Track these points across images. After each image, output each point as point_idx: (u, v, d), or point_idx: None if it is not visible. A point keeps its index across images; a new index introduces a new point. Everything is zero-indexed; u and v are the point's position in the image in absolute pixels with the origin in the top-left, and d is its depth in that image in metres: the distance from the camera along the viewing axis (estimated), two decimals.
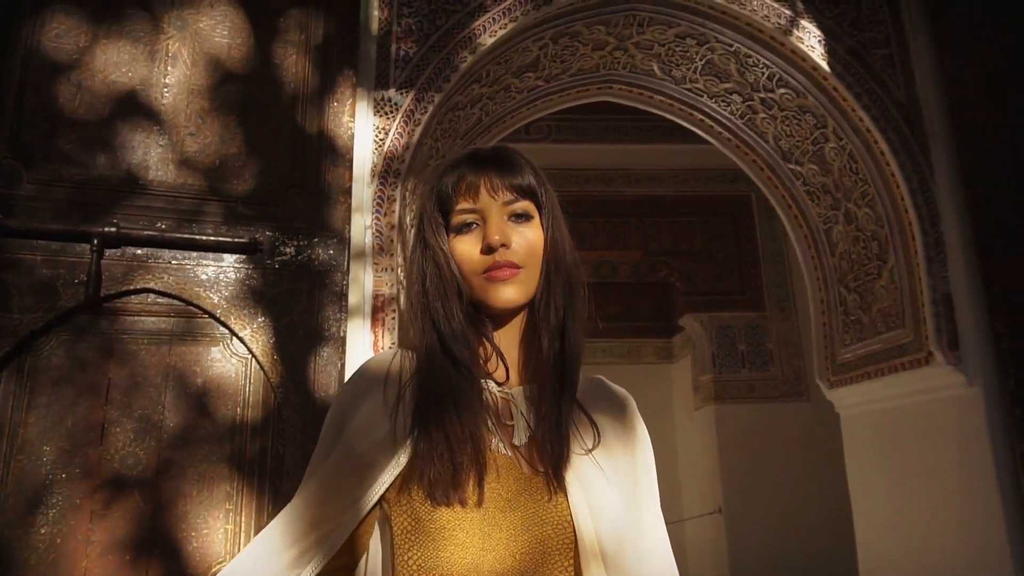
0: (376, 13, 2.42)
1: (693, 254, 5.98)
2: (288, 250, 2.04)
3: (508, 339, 0.89)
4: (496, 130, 3.11)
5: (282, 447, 1.92)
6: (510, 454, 0.84)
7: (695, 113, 3.16)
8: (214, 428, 1.90)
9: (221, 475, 1.87)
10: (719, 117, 3.11)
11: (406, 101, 2.34)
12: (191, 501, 1.83)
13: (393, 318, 2.18)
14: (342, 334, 2.04)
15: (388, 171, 2.28)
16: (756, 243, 5.94)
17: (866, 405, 2.69)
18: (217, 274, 1.97)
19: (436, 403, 0.81)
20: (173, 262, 1.95)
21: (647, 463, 0.91)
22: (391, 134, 2.31)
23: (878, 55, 2.49)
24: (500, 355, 0.87)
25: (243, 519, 1.86)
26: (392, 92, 2.35)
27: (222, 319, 1.94)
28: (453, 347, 0.84)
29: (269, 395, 1.95)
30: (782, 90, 2.76)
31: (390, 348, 0.98)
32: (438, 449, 0.79)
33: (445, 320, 0.85)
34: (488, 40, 2.43)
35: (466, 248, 0.86)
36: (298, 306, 2.02)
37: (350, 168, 2.17)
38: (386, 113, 2.33)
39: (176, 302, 1.93)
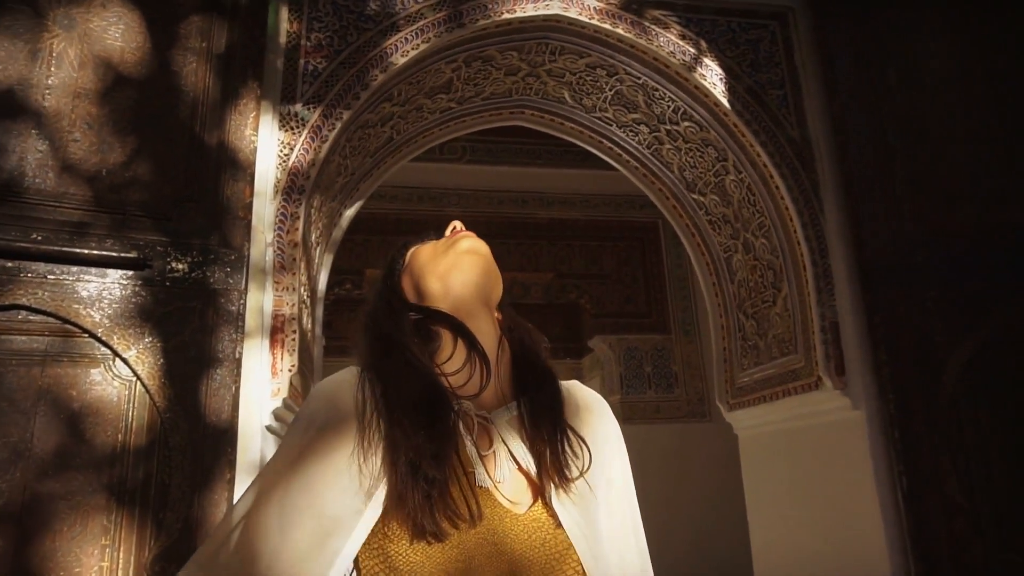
0: (285, 26, 2.35)
1: (602, 277, 6.11)
2: (180, 267, 1.93)
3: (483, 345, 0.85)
4: (407, 149, 3.08)
5: (168, 476, 1.80)
6: (490, 486, 0.78)
7: (604, 141, 3.24)
8: (91, 456, 1.76)
9: (98, 506, 1.73)
10: (627, 146, 3.19)
11: (313, 116, 2.28)
12: (61, 537, 1.68)
13: (294, 339, 2.10)
14: (238, 356, 1.94)
15: (292, 187, 2.21)
16: (663, 268, 6.13)
17: (762, 427, 2.80)
18: (100, 291, 1.84)
19: (406, 435, 0.75)
20: (50, 277, 1.80)
21: (628, 472, 0.90)
22: (296, 149, 2.24)
23: (774, 95, 2.63)
24: (482, 357, 0.83)
25: (121, 555, 1.73)
26: (299, 107, 2.28)
27: (103, 339, 1.81)
28: (404, 351, 0.82)
29: (155, 420, 1.83)
30: (686, 123, 2.86)
31: (348, 370, 0.88)
32: (415, 488, 0.72)
33: (398, 331, 0.84)
34: (400, 60, 2.41)
35: (428, 244, 0.93)
36: (190, 326, 1.91)
37: (251, 183, 2.09)
38: (292, 128, 2.26)
39: (51, 320, 1.79)
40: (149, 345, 1.85)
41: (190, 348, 1.89)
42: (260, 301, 2.07)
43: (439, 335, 0.86)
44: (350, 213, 2.97)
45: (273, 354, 2.06)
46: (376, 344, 0.86)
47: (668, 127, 2.95)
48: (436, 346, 0.86)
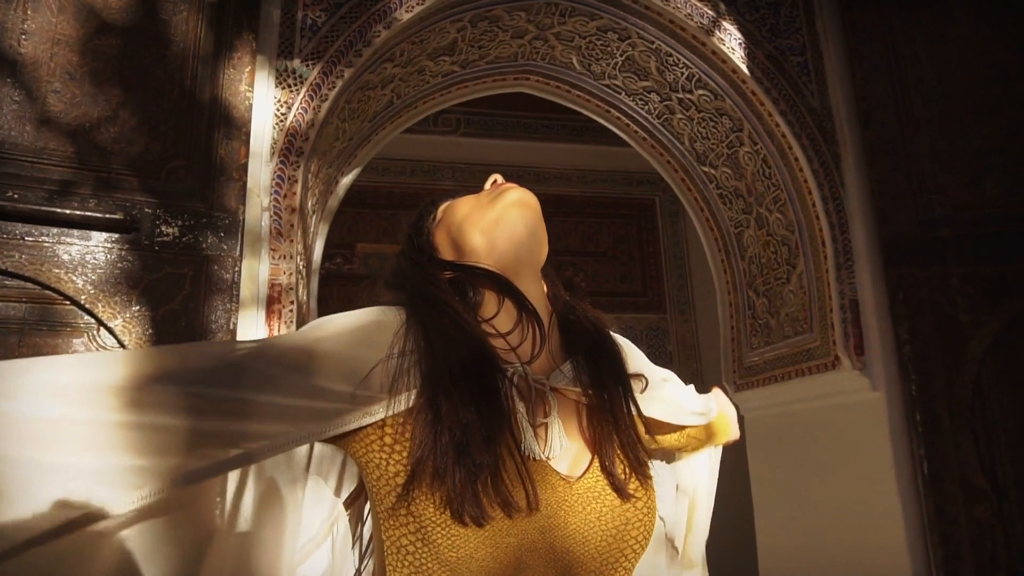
0: None
1: (598, 255, 6.00)
2: (170, 230, 1.80)
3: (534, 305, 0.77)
4: (407, 115, 2.93)
5: None
6: (544, 458, 0.69)
7: (612, 111, 3.11)
8: None
9: None
10: (636, 116, 3.07)
11: (313, 74, 2.13)
12: None
13: (291, 310, 1.98)
14: (232, 326, 1.82)
15: (290, 149, 2.07)
16: (659, 246, 6.03)
17: (771, 408, 2.72)
18: (82, 255, 1.71)
19: (454, 409, 0.65)
20: (27, 239, 1.66)
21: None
22: (295, 108, 2.10)
23: (794, 62, 2.51)
24: (534, 318, 0.74)
25: None
26: (297, 63, 2.14)
27: (87, 306, 1.67)
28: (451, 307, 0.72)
29: None
30: (700, 91, 2.74)
31: (383, 309, 0.77)
32: (456, 468, 0.62)
33: (436, 288, 0.75)
34: (404, 15, 2.26)
35: (467, 196, 0.82)
36: (181, 293, 1.78)
37: (247, 143, 1.95)
38: (289, 85, 2.12)
39: (29, 285, 1.65)
40: (137, 314, 1.72)
41: (181, 318, 1.77)
42: (255, 269, 1.94)
43: (482, 295, 0.76)
44: (347, 181, 2.84)
45: (269, 325, 1.94)
46: (417, 301, 0.74)
47: (681, 95, 2.83)
48: (479, 306, 0.75)
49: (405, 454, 0.65)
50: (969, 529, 2.05)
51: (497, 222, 0.77)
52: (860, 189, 2.39)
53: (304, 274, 2.18)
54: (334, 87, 2.16)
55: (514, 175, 4.29)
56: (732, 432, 1.07)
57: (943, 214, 2.25)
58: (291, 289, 1.99)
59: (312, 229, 2.54)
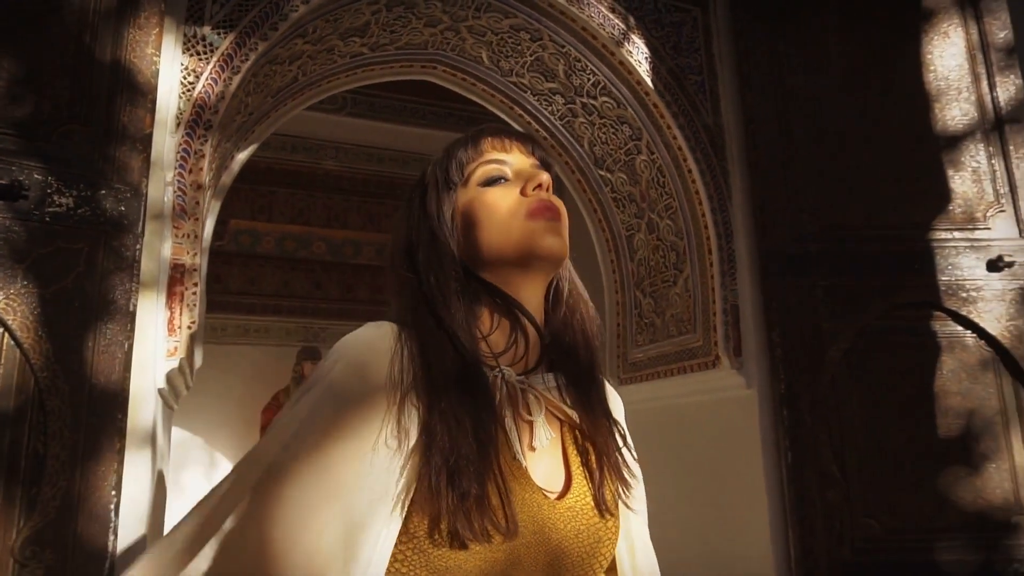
0: None
1: None
2: (64, 200, 1.64)
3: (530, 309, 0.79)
4: (311, 92, 2.84)
5: (43, 445, 1.54)
6: (526, 464, 0.73)
7: (515, 108, 3.17)
8: None
9: None
10: (539, 115, 3.15)
11: (225, 44, 2.02)
12: None
13: (194, 293, 1.87)
14: (132, 309, 1.69)
15: (197, 121, 1.95)
16: None
17: (653, 401, 2.91)
18: None
19: (449, 433, 0.67)
20: None
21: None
22: (203, 78, 1.98)
23: (693, 80, 2.69)
24: (532, 321, 0.77)
25: None
26: (207, 30, 2.01)
27: None
28: (450, 323, 0.73)
29: (28, 379, 1.55)
30: (604, 98, 2.87)
31: (380, 328, 0.75)
32: (448, 492, 0.65)
33: (439, 291, 0.74)
34: None
35: (500, 192, 0.76)
36: (75, 271, 1.64)
37: (152, 111, 1.81)
38: (198, 53, 1.99)
39: None
40: (23, 291, 1.56)
41: (74, 297, 1.62)
42: (157, 248, 1.82)
43: (481, 309, 0.78)
44: (242, 157, 2.71)
45: (170, 308, 1.82)
46: (418, 307, 0.75)
47: (585, 100, 2.95)
48: (476, 318, 0.78)
49: (404, 469, 0.67)
50: (822, 510, 2.32)
51: (523, 242, 0.75)
52: (744, 203, 2.61)
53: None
54: (247, 59, 2.05)
55: (400, 160, 4.26)
56: None
57: (813, 231, 2.51)
58: (195, 271, 1.88)
59: (205, 206, 2.40)
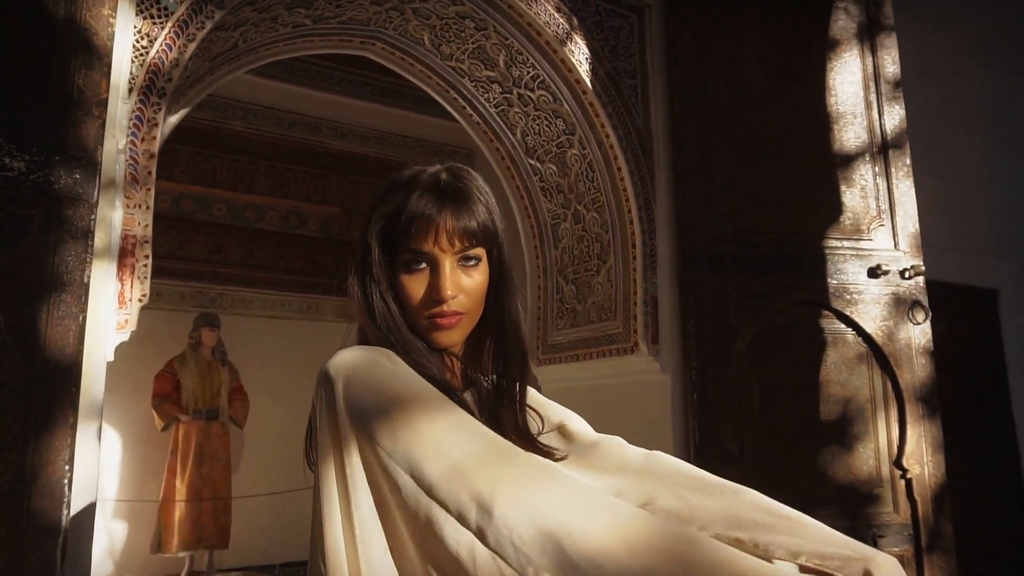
0: None
1: None
2: (16, 164, 1.57)
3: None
4: (247, 59, 2.77)
5: None
6: None
7: (451, 91, 3.23)
8: None
9: None
10: (474, 101, 3.23)
11: (181, 9, 1.96)
12: None
13: (145, 265, 1.84)
14: (86, 280, 1.65)
15: (151, 88, 1.89)
16: None
17: (572, 381, 3.10)
18: None
19: None
20: None
21: None
22: (158, 43, 1.92)
23: (627, 84, 2.86)
24: (462, 362, 0.99)
25: None
26: None
27: None
28: (429, 368, 0.89)
29: None
30: (541, 92, 2.98)
31: (360, 350, 0.88)
32: None
33: (412, 350, 0.90)
34: None
35: (414, 288, 0.90)
36: (26, 240, 1.58)
37: (108, 75, 1.75)
38: (152, 16, 1.92)
39: None
40: None
41: (26, 267, 1.57)
42: (109, 217, 1.77)
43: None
44: (174, 120, 2.60)
45: (121, 280, 1.78)
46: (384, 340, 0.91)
47: (522, 91, 3.05)
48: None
49: None
50: None
51: (425, 336, 0.92)
52: (666, 203, 2.82)
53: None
54: (203, 27, 2.01)
55: (311, 125, 4.24)
56: None
57: (726, 233, 2.77)
58: (146, 242, 1.84)
59: (155, 175, 2.31)
